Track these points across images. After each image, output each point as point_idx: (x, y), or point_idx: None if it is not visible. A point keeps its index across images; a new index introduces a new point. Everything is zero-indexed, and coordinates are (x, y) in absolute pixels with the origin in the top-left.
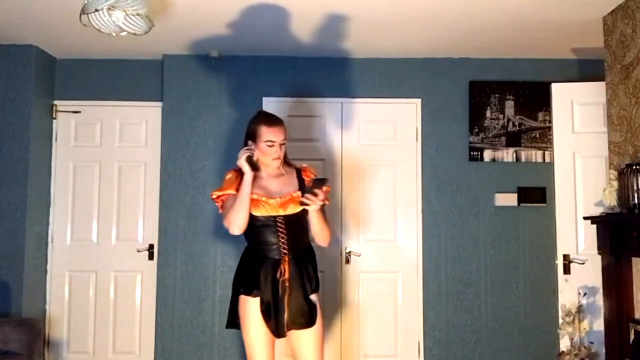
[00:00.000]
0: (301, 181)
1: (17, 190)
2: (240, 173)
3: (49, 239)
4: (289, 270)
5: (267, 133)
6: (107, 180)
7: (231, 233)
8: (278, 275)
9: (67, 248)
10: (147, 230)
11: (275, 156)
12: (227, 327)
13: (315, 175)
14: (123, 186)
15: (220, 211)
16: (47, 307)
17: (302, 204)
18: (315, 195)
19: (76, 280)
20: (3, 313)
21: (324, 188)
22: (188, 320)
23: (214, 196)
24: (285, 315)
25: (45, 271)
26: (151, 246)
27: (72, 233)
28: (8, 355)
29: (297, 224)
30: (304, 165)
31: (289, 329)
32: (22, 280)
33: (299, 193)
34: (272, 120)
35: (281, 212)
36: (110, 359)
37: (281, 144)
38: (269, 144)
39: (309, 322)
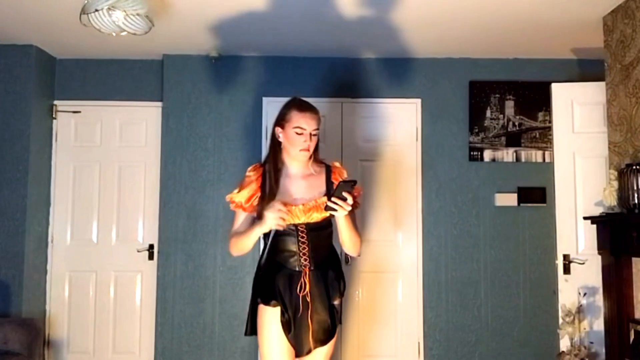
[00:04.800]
0: (329, 184)
1: (17, 190)
2: (262, 169)
3: (49, 239)
4: (310, 283)
5: (297, 118)
6: (107, 180)
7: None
8: (298, 290)
9: (67, 248)
10: (147, 230)
11: (304, 147)
12: (246, 334)
13: (345, 177)
14: (123, 186)
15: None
16: (47, 307)
17: (328, 208)
18: (344, 199)
19: (76, 280)
20: (3, 313)
21: (354, 192)
22: (188, 320)
23: (228, 199)
24: (309, 333)
25: (45, 271)
26: (151, 246)
27: (72, 233)
28: (8, 355)
29: (321, 231)
30: (336, 163)
31: (311, 348)
32: (22, 280)
33: (325, 199)
34: (305, 105)
35: (304, 220)
36: (110, 359)
37: (312, 134)
38: (299, 130)
39: (331, 337)
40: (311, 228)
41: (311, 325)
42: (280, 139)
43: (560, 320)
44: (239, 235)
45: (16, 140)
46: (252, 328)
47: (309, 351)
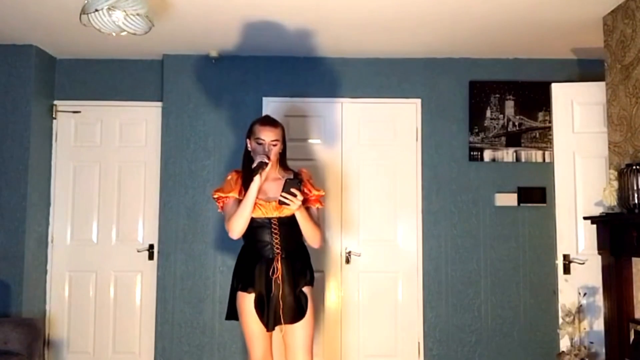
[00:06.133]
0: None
1: (17, 190)
2: (242, 176)
3: (49, 239)
4: (282, 268)
5: (257, 131)
6: (107, 180)
7: (230, 236)
8: (271, 273)
9: (67, 248)
10: (147, 230)
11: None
12: (226, 319)
13: (310, 179)
14: (123, 186)
15: (219, 210)
16: (47, 307)
17: (281, 202)
18: (293, 195)
19: (76, 280)
20: (3, 313)
21: (307, 186)
22: (188, 320)
23: (215, 196)
24: (277, 311)
25: (45, 271)
26: (151, 246)
27: (72, 233)
28: (8, 355)
29: (291, 225)
30: (303, 169)
31: (279, 324)
32: (22, 280)
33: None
34: (266, 120)
35: (276, 214)
36: (110, 359)
37: (272, 145)
38: (259, 141)
39: (299, 316)
40: (282, 222)
41: (281, 304)
42: (249, 149)
43: (560, 320)
44: (236, 210)
45: (16, 140)
46: (231, 313)
47: (278, 325)
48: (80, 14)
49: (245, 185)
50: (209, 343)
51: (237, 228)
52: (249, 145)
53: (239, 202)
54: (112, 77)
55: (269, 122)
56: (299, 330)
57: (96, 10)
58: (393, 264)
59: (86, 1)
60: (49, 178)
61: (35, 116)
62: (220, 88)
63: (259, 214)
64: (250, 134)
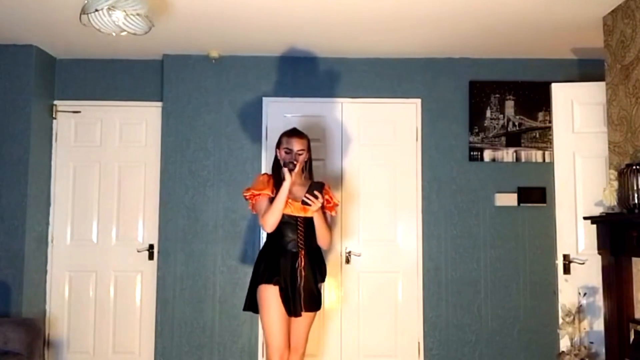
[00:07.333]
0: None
1: (17, 190)
2: (273, 178)
3: (49, 239)
4: (305, 261)
5: (285, 141)
6: (107, 180)
7: (265, 230)
8: (297, 265)
9: (67, 248)
10: (147, 230)
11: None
12: (244, 309)
13: (330, 189)
14: (123, 186)
15: (250, 207)
16: (47, 307)
17: (304, 203)
18: (315, 197)
19: (76, 280)
20: (3, 313)
21: (331, 203)
22: (188, 320)
23: (247, 194)
24: (301, 299)
25: (45, 271)
26: (151, 246)
27: (72, 233)
28: (8, 356)
29: (312, 226)
30: (321, 181)
31: (303, 310)
32: (22, 280)
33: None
34: (292, 132)
35: (302, 214)
36: (110, 359)
37: (298, 154)
38: (286, 150)
39: (318, 306)
40: (307, 222)
41: (304, 293)
42: (279, 158)
43: (560, 320)
44: (270, 206)
45: (16, 140)
46: (250, 305)
47: (301, 313)
48: (80, 14)
49: (277, 187)
50: (209, 343)
51: (272, 221)
52: (278, 154)
53: (272, 200)
54: (112, 77)
55: (296, 133)
56: (307, 318)
57: (96, 10)
58: (393, 264)
59: (86, 1)
60: (49, 178)
61: (35, 116)
62: (220, 88)
63: (288, 212)
64: (279, 144)
